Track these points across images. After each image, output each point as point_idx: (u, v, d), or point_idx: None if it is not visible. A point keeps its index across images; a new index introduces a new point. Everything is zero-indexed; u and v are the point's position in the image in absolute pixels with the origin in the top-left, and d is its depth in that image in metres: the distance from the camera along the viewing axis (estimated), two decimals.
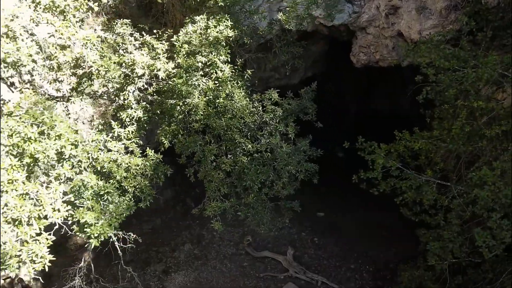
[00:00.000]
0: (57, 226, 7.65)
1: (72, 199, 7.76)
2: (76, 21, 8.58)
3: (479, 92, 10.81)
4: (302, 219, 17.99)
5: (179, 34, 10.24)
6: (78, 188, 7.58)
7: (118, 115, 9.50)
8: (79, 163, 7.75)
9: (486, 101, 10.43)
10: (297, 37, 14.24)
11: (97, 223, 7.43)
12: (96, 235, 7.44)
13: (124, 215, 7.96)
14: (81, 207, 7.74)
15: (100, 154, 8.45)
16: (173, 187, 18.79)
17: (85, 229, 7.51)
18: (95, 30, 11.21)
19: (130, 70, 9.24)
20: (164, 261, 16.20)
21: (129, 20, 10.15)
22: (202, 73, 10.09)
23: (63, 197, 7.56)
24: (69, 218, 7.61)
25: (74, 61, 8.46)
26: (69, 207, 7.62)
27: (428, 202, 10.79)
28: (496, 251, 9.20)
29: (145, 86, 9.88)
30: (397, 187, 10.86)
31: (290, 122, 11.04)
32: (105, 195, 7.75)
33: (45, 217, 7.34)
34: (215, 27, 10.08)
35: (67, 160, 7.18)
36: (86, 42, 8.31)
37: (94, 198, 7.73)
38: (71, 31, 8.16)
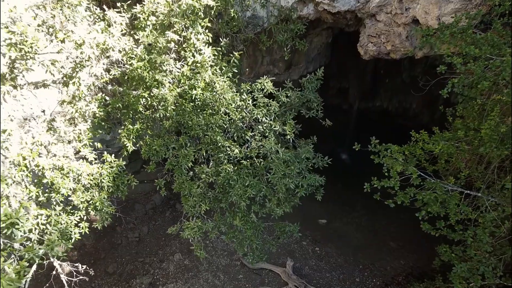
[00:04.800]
0: None
1: None
2: None
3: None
4: (303, 227, 15.75)
5: (143, 2, 7.53)
6: None
7: (66, 110, 7.00)
8: None
9: None
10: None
11: None
12: None
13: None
14: None
15: (40, 159, 6.03)
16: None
17: None
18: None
19: (79, 51, 6.68)
20: (151, 272, 14.19)
21: None
22: (175, 56, 7.51)
23: None
24: None
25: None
26: None
27: (456, 217, 8.52)
28: None
29: (103, 73, 7.27)
30: (419, 199, 8.51)
31: (288, 119, 8.36)
32: (8, 228, 4.99)
33: None
34: None
35: None
36: None
37: None
38: None
